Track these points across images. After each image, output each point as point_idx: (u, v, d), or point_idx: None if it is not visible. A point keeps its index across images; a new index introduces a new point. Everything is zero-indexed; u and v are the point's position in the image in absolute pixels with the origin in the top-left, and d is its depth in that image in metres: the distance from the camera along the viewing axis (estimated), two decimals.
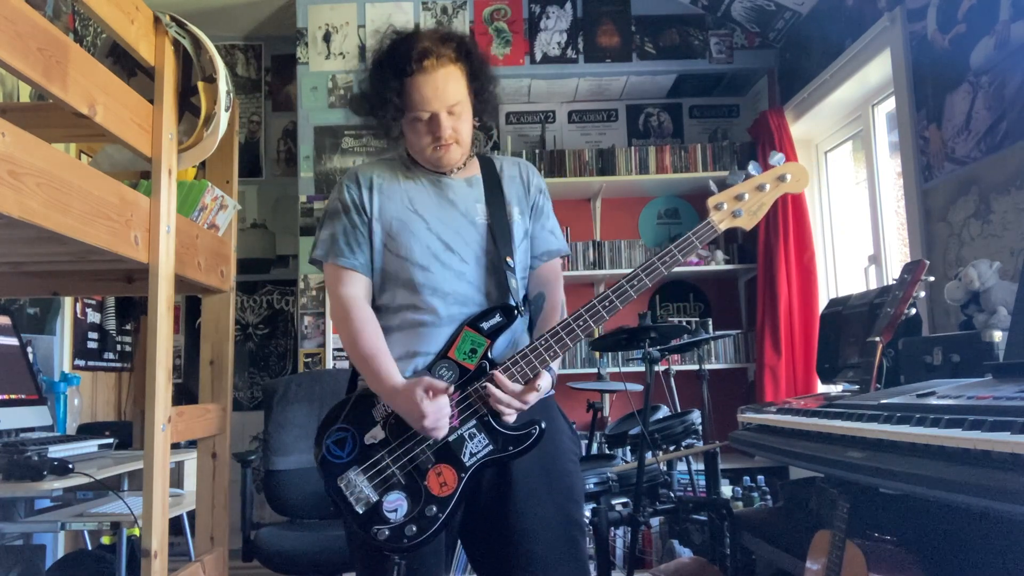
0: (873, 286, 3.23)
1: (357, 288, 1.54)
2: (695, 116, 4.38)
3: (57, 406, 3.03)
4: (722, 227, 1.53)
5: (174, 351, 3.68)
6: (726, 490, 3.31)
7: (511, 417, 1.44)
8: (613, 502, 2.53)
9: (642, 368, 2.77)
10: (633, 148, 4.02)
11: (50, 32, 1.29)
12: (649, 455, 2.68)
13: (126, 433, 2.98)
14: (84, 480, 2.06)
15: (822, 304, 3.12)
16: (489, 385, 1.42)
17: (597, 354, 3.92)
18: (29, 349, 2.84)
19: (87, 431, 3.16)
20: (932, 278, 1.73)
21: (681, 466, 3.34)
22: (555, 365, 1.50)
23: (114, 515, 2.33)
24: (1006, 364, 1.39)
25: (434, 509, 1.40)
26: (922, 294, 1.70)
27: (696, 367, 3.45)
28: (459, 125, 1.52)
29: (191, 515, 2.63)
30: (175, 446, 1.97)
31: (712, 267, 4.02)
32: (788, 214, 3.63)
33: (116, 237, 1.51)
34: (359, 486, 1.42)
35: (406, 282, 1.52)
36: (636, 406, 2.77)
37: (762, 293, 3.77)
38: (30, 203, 1.23)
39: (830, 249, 3.76)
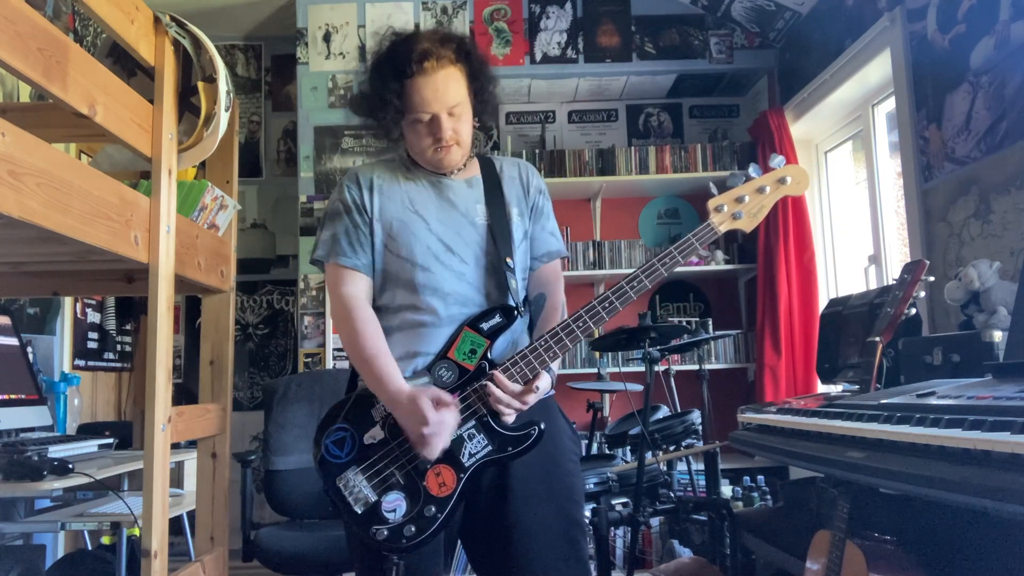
0: (873, 286, 3.23)
1: (359, 288, 1.53)
2: (695, 116, 4.38)
3: (57, 406, 3.04)
4: (722, 229, 1.53)
5: (174, 351, 3.68)
6: (726, 490, 3.31)
7: (510, 418, 1.44)
8: (613, 502, 2.53)
9: (642, 368, 2.77)
10: (633, 148, 4.02)
11: (50, 32, 1.29)
12: (649, 455, 2.68)
13: (126, 433, 2.99)
14: (84, 480, 2.06)
15: (822, 304, 3.12)
16: (489, 385, 1.42)
17: (597, 354, 3.92)
18: (29, 349, 2.84)
19: (87, 431, 3.16)
20: (932, 278, 1.73)
21: (681, 466, 3.34)
22: (555, 365, 1.50)
23: (114, 515, 2.33)
24: (1006, 364, 1.39)
25: (433, 509, 1.40)
26: (922, 294, 1.70)
27: (696, 367, 3.45)
28: (459, 126, 1.52)
29: (191, 515, 2.63)
30: (175, 446, 1.97)
31: (712, 267, 4.02)
32: (788, 214, 3.63)
33: (116, 237, 1.51)
34: (358, 486, 1.42)
35: (406, 282, 1.52)
36: (636, 406, 2.77)
37: (762, 293, 3.77)
38: (30, 203, 1.23)
39: (830, 249, 3.76)
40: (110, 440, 2.75)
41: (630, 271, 1.48)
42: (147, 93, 1.69)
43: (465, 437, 1.44)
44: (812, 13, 3.57)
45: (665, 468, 3.03)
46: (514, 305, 1.49)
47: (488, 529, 1.48)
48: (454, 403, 1.41)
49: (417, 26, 3.94)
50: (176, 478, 2.95)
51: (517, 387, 1.43)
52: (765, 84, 4.09)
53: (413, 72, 1.46)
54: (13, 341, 2.63)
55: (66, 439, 2.56)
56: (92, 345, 3.65)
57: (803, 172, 1.57)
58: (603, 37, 4.02)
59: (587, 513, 2.37)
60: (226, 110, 1.85)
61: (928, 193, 2.64)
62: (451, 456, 1.42)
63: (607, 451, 3.27)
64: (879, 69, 3.03)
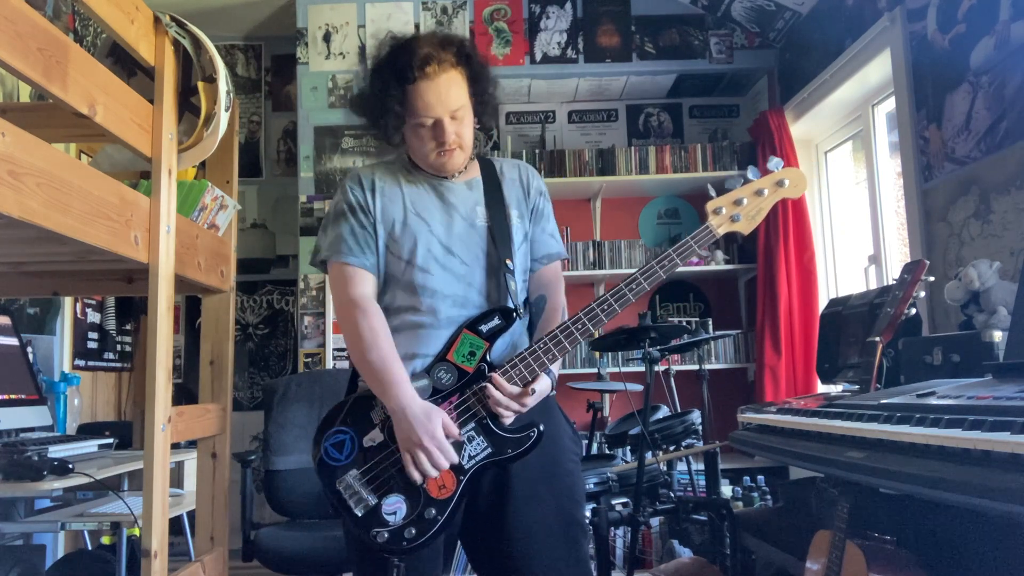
0: (873, 286, 3.23)
1: (368, 288, 1.52)
2: (695, 116, 4.38)
3: (57, 406, 3.04)
4: (720, 232, 1.53)
5: (174, 351, 3.68)
6: (726, 490, 3.31)
7: (509, 419, 1.44)
8: (613, 502, 2.53)
9: (642, 368, 2.77)
10: (633, 148, 4.02)
11: (50, 32, 1.29)
12: (649, 455, 2.68)
13: (126, 433, 2.98)
14: (84, 480, 2.06)
15: (822, 304, 3.12)
16: (488, 387, 1.42)
17: (597, 354, 3.92)
18: (29, 349, 2.84)
19: (87, 431, 3.16)
20: (932, 278, 1.73)
21: (681, 466, 3.33)
22: (555, 367, 1.50)
23: (114, 515, 2.33)
24: (1006, 364, 1.39)
25: (433, 512, 1.40)
26: (922, 294, 1.70)
27: (696, 367, 3.45)
28: (462, 130, 1.52)
29: (191, 515, 2.63)
30: (175, 446, 1.97)
31: (712, 267, 4.02)
32: (788, 214, 3.63)
33: (116, 237, 1.51)
34: (358, 489, 1.42)
35: (406, 284, 1.52)
36: (636, 406, 2.77)
37: (762, 293, 3.77)
38: (30, 203, 1.23)
39: (830, 249, 3.76)
40: (110, 440, 2.75)
41: (630, 271, 1.48)
42: (147, 93, 1.69)
43: (465, 439, 1.44)
44: (812, 13, 3.57)
45: (665, 468, 3.03)
46: (513, 307, 1.49)
47: (488, 530, 1.48)
48: (455, 436, 1.41)
49: (417, 27, 3.98)
50: (176, 478, 2.95)
51: (516, 389, 1.43)
52: (765, 84, 4.09)
53: (415, 77, 1.45)
54: (13, 341, 2.63)
55: (66, 439, 2.56)
56: (92, 345, 3.65)
57: (801, 175, 1.57)
58: (603, 37, 4.02)
59: (587, 513, 2.37)
60: (226, 110, 1.85)
61: (928, 193, 2.64)
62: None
63: (607, 451, 3.27)
64: (879, 69, 3.03)
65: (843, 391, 2.11)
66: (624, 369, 3.88)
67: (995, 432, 1.03)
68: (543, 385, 1.46)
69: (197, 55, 1.78)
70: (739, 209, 1.53)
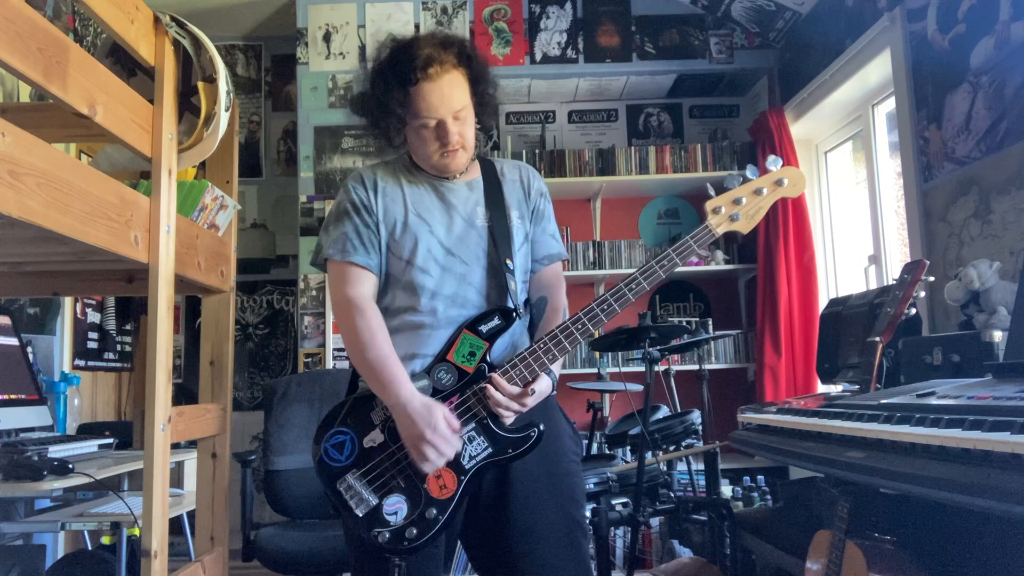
0: (873, 286, 3.23)
1: (367, 288, 1.52)
2: (695, 116, 4.38)
3: (57, 406, 3.04)
4: (719, 231, 1.53)
5: (174, 351, 3.68)
6: (726, 490, 3.31)
7: (509, 420, 1.44)
8: (613, 502, 2.53)
9: (642, 368, 2.77)
10: (633, 148, 4.02)
11: (50, 32, 1.29)
12: (649, 455, 2.68)
13: (126, 433, 2.98)
14: (84, 480, 2.06)
15: (822, 304, 3.12)
16: (488, 387, 1.42)
17: (597, 354, 3.92)
18: (29, 349, 2.84)
19: (87, 431, 3.16)
20: (932, 278, 1.73)
21: (681, 466, 3.34)
22: (556, 367, 1.50)
23: (114, 515, 2.33)
24: (1006, 364, 1.39)
25: (434, 512, 1.40)
26: (922, 294, 1.70)
27: (696, 367, 3.45)
28: (464, 130, 1.52)
29: (191, 515, 2.63)
30: (175, 446, 1.97)
31: (712, 267, 4.02)
32: (788, 214, 3.63)
33: (116, 237, 1.51)
34: (359, 490, 1.42)
35: (407, 284, 1.52)
36: (636, 406, 2.77)
37: (762, 293, 3.77)
38: (30, 203, 1.23)
39: (830, 249, 3.76)
40: (110, 440, 2.75)
41: (630, 271, 1.48)
42: (147, 93, 1.69)
43: (465, 440, 1.44)
44: (812, 13, 3.57)
45: (665, 468, 3.03)
46: (513, 307, 1.49)
47: (489, 530, 1.48)
48: (458, 430, 1.42)
49: (417, 27, 3.98)
50: (176, 478, 2.95)
51: (515, 389, 1.43)
52: (765, 84, 4.09)
53: (418, 79, 1.45)
54: (13, 341, 2.63)
55: (66, 439, 2.56)
56: (92, 345, 3.65)
57: (799, 174, 1.57)
58: (603, 37, 4.02)
59: (587, 513, 2.37)
60: (226, 110, 1.85)
61: (928, 193, 2.64)
62: (452, 458, 1.42)
63: (607, 451, 3.27)
64: (879, 69, 3.03)
65: (843, 391, 2.11)
66: (624, 369, 3.88)
67: (995, 432, 1.03)
68: (543, 385, 1.46)
69: (197, 55, 1.78)
70: (738, 208, 1.53)
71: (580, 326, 1.44)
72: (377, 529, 1.40)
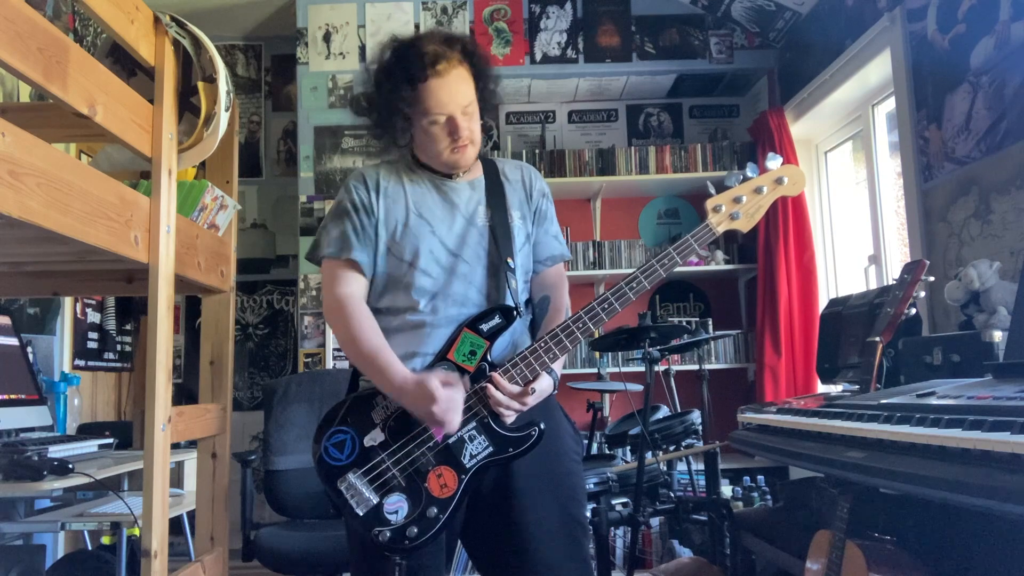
0: (873, 286, 3.23)
1: (356, 288, 1.54)
2: (695, 116, 4.38)
3: (57, 406, 3.03)
4: (720, 230, 1.53)
5: (174, 351, 3.68)
6: (726, 490, 3.31)
7: (510, 419, 1.44)
8: (613, 502, 2.53)
9: (642, 368, 2.77)
10: (633, 148, 4.02)
11: (50, 32, 1.29)
12: (649, 455, 2.68)
13: (126, 433, 2.98)
14: (84, 480, 2.06)
15: (822, 304, 3.12)
16: (488, 386, 1.42)
17: (597, 354, 3.92)
18: (29, 349, 2.84)
19: (87, 431, 3.16)
20: (932, 278, 1.73)
21: (681, 466, 3.33)
22: (557, 366, 1.50)
23: (114, 515, 2.33)
24: (1006, 364, 1.39)
25: (435, 511, 1.40)
26: (922, 294, 1.70)
27: (696, 367, 3.45)
28: (472, 125, 1.53)
29: (191, 515, 2.63)
30: (175, 446, 1.97)
31: (712, 267, 4.02)
32: (788, 214, 3.63)
33: (116, 237, 1.51)
34: (359, 489, 1.42)
35: (407, 285, 1.52)
36: (636, 406, 2.77)
37: (762, 293, 3.77)
38: (30, 203, 1.23)
39: (830, 249, 3.76)
40: (110, 440, 2.75)
41: (630, 271, 1.48)
42: (147, 93, 1.69)
43: (466, 438, 1.44)
44: (812, 13, 3.57)
45: (665, 468, 3.03)
46: (513, 306, 1.49)
47: (490, 529, 1.48)
48: (459, 381, 1.41)
49: (417, 27, 3.98)
50: (176, 478, 2.95)
51: (516, 388, 1.43)
52: (765, 84, 4.09)
53: (427, 76, 1.46)
54: (13, 341, 2.63)
55: (66, 439, 2.56)
56: (92, 345, 3.65)
57: (799, 172, 1.57)
58: (603, 37, 4.02)
59: (587, 513, 2.37)
60: (226, 110, 1.85)
61: (928, 193, 2.64)
62: (452, 457, 1.43)
63: (607, 451, 3.27)
64: (879, 69, 3.03)
65: (843, 391, 2.11)
66: (624, 369, 3.88)
67: (995, 432, 1.03)
68: (544, 384, 1.47)
69: (197, 55, 1.78)
70: (738, 207, 1.53)
71: (581, 325, 1.44)
72: (378, 528, 1.40)
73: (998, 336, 1.58)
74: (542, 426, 1.44)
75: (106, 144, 2.02)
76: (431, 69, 1.46)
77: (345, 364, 3.67)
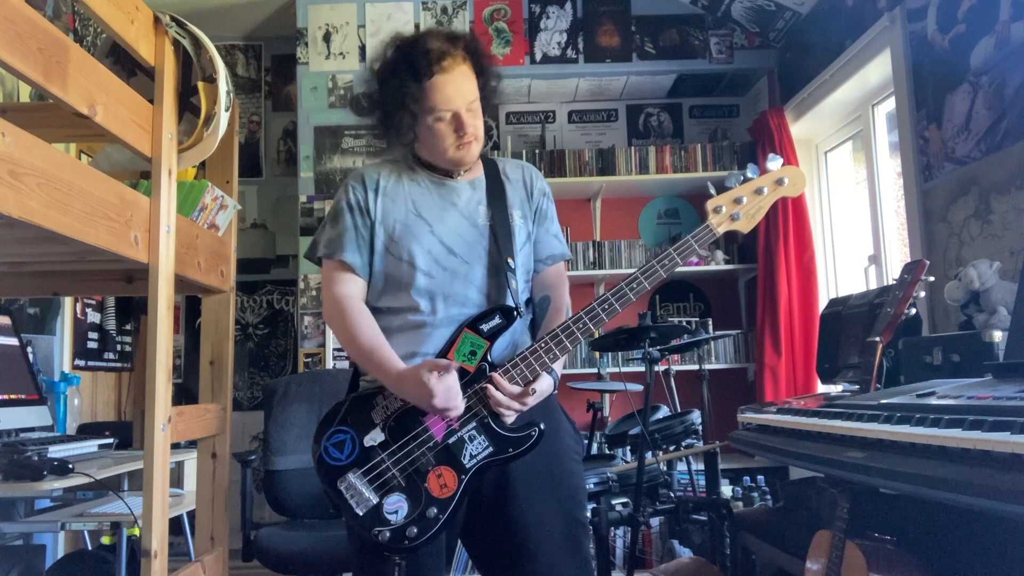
0: (873, 286, 3.23)
1: (353, 288, 1.55)
2: (695, 116, 4.38)
3: (57, 406, 3.03)
4: (720, 230, 1.53)
5: (174, 351, 3.68)
6: (726, 490, 3.31)
7: (510, 419, 1.44)
8: (613, 502, 2.53)
9: (642, 368, 2.77)
10: (633, 148, 4.02)
11: (50, 32, 1.29)
12: (649, 455, 2.68)
13: (126, 433, 2.98)
14: (84, 480, 2.06)
15: (822, 304, 3.12)
16: (488, 387, 1.42)
17: (597, 354, 3.92)
18: (29, 349, 2.84)
19: (87, 431, 3.16)
20: (932, 278, 1.73)
21: (681, 466, 3.33)
22: (558, 366, 1.50)
23: (114, 515, 2.33)
24: (1006, 364, 1.39)
25: (435, 511, 1.40)
26: (922, 294, 1.70)
27: (696, 367, 3.45)
28: (477, 121, 1.53)
29: (191, 515, 2.63)
30: (175, 446, 1.97)
31: (712, 267, 4.02)
32: (788, 214, 3.63)
33: (116, 237, 1.51)
34: (359, 489, 1.42)
35: (407, 285, 1.52)
36: (636, 406, 2.77)
37: (762, 293, 3.77)
38: (30, 203, 1.23)
39: (830, 249, 3.76)
40: (110, 440, 2.75)
41: (630, 271, 1.48)
42: (147, 93, 1.69)
43: (466, 439, 1.44)
44: (812, 13, 3.57)
45: (665, 468, 3.03)
46: (513, 306, 1.49)
47: (491, 529, 1.48)
48: (452, 365, 1.41)
49: (417, 27, 3.98)
50: (176, 478, 2.95)
51: (516, 389, 1.43)
52: (765, 84, 4.08)
53: (433, 72, 1.46)
54: (13, 341, 2.63)
55: (66, 439, 2.56)
56: (92, 345, 3.65)
57: (800, 173, 1.57)
58: (603, 37, 4.02)
59: (587, 513, 2.37)
60: (226, 110, 1.85)
61: (928, 193, 2.64)
62: (452, 458, 1.43)
63: (607, 451, 3.27)
64: (879, 69, 3.03)
65: (843, 391, 2.11)
66: (624, 369, 3.88)
67: (995, 432, 1.03)
68: (544, 384, 1.47)
69: (197, 55, 1.78)
70: (739, 207, 1.53)
71: (581, 325, 1.44)
72: (378, 528, 1.40)
73: (998, 336, 1.58)
74: (542, 426, 1.44)
75: (106, 144, 2.02)
76: (436, 66, 1.46)
77: (345, 364, 3.67)
